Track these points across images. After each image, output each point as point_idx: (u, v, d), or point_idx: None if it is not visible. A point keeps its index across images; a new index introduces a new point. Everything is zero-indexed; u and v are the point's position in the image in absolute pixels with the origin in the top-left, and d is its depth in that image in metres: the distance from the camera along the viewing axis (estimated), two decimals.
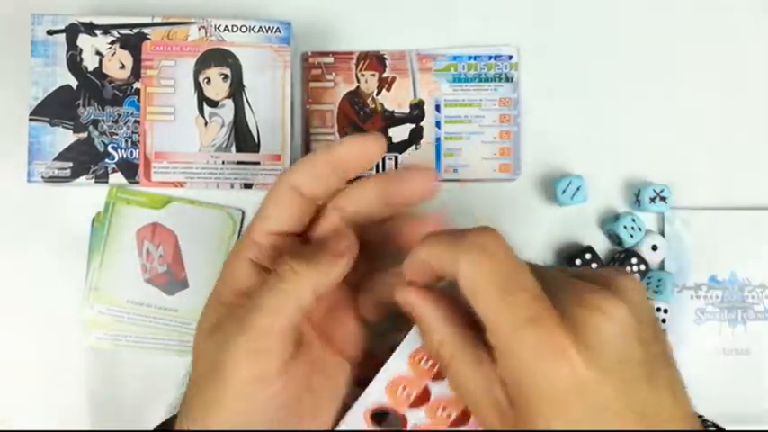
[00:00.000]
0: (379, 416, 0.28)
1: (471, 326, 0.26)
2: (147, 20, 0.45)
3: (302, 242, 0.31)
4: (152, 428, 0.33)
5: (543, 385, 0.23)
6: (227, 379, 0.27)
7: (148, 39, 0.45)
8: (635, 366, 0.24)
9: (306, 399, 0.29)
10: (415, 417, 0.28)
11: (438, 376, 0.28)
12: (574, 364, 0.23)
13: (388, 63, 0.48)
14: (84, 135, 0.45)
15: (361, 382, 0.30)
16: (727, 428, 0.47)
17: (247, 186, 0.45)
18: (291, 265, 0.28)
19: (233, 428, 0.27)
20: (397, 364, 0.28)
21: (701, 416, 0.27)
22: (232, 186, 0.45)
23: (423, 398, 0.28)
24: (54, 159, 0.45)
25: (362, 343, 0.32)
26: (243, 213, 0.48)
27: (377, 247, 0.32)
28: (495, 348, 0.24)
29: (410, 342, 0.28)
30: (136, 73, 0.45)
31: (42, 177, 0.45)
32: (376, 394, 0.28)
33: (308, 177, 0.30)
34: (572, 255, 0.47)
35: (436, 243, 0.27)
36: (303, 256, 0.29)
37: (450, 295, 0.27)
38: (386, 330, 0.33)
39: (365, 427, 0.28)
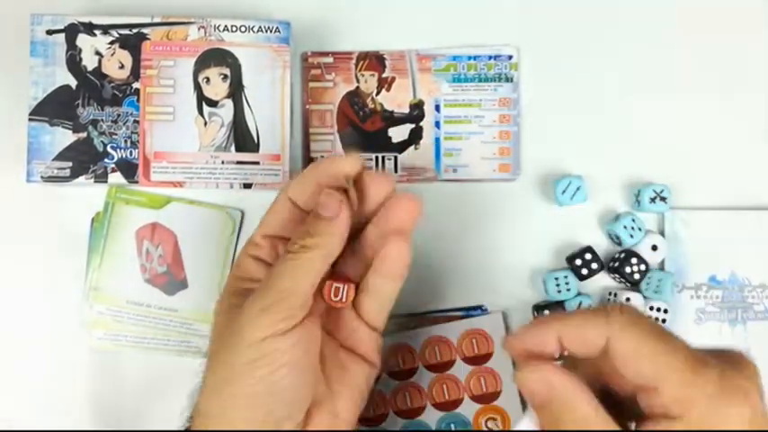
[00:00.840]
0: None
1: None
2: (147, 20, 0.45)
3: None
4: None
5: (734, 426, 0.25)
6: (243, 332, 0.31)
7: (148, 39, 0.45)
8: None
9: (320, 377, 0.34)
10: None
11: None
12: (753, 404, 0.25)
13: (387, 63, 0.48)
14: (84, 135, 0.45)
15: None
16: (726, 428, 0.47)
17: (247, 186, 0.45)
18: (298, 242, 0.33)
19: (248, 377, 0.31)
20: None
21: None
22: (231, 186, 0.45)
23: None
24: (53, 159, 0.45)
25: (377, 347, 0.36)
26: (242, 213, 0.48)
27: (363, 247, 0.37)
28: (673, 403, 0.26)
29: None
30: (135, 73, 0.45)
31: (42, 177, 0.45)
32: None
33: (300, 190, 0.36)
34: (572, 255, 0.47)
35: (564, 323, 0.29)
36: (305, 230, 0.33)
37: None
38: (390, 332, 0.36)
39: None
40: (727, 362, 0.27)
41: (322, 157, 0.48)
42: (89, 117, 0.45)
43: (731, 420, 0.25)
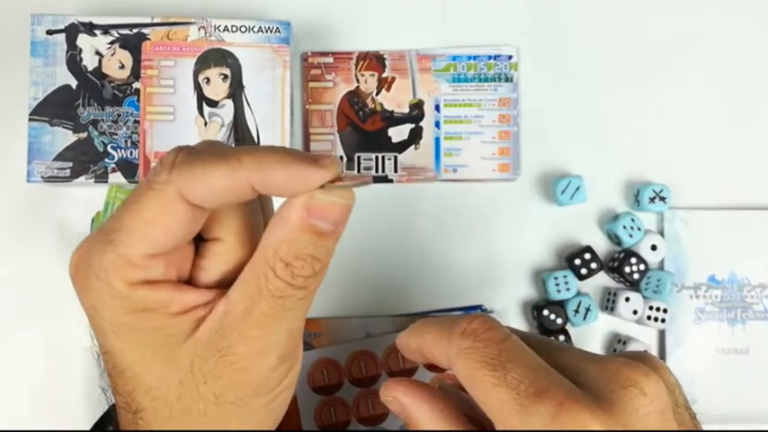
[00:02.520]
0: None
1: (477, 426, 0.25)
2: (147, 20, 0.45)
3: None
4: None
5: None
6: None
7: (148, 39, 0.45)
8: None
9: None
10: None
11: None
12: None
13: (387, 63, 0.48)
14: (84, 135, 0.45)
15: None
16: (726, 428, 0.47)
17: None
18: (303, 273, 0.24)
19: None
20: None
21: None
22: None
23: None
24: (54, 159, 0.45)
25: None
26: None
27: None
28: None
29: None
30: (135, 73, 0.45)
31: (42, 177, 0.45)
32: None
33: (204, 183, 0.24)
34: (571, 254, 0.47)
35: (425, 333, 0.26)
36: (310, 255, 0.24)
37: (451, 394, 0.26)
38: None
39: None
40: (604, 384, 0.22)
41: None
42: (89, 117, 0.45)
43: None
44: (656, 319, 0.46)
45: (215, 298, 0.25)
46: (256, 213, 0.26)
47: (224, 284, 0.25)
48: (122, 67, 0.45)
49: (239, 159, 0.23)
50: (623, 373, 0.23)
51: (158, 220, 0.23)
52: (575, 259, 0.46)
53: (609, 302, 0.47)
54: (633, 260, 0.46)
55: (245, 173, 0.23)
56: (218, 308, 0.24)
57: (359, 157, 0.48)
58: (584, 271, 0.46)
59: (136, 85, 0.45)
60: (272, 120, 0.45)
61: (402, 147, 0.48)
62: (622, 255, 0.46)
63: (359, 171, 0.48)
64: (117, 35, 0.45)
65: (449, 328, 0.25)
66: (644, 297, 0.47)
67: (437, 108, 0.48)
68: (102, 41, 0.45)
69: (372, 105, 0.48)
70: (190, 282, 0.26)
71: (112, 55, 0.45)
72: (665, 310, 0.46)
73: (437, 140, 0.48)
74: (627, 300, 0.46)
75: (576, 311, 0.46)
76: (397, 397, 0.26)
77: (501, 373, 0.23)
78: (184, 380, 0.24)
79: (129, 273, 0.23)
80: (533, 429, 0.21)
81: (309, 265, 0.24)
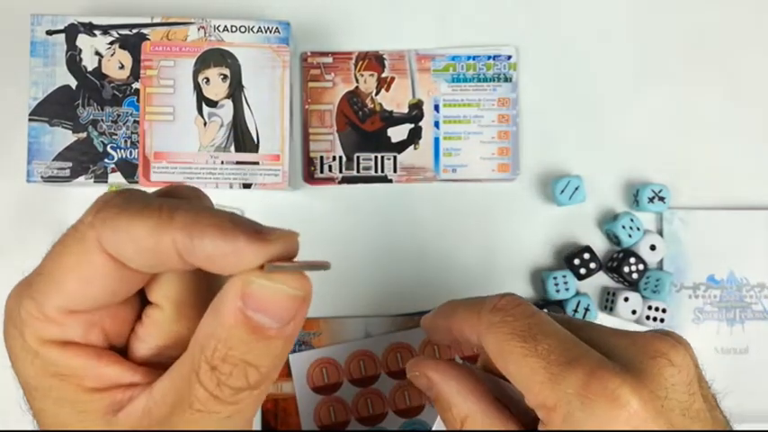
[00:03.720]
0: None
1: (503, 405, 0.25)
2: (147, 20, 0.45)
3: None
4: None
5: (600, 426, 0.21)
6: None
7: (148, 39, 0.45)
8: (698, 424, 0.22)
9: None
10: None
11: None
12: (632, 413, 0.21)
13: (386, 63, 0.48)
14: (84, 135, 0.45)
15: None
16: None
17: (246, 186, 0.45)
18: (232, 384, 0.19)
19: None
20: None
21: None
22: (231, 186, 0.46)
23: None
24: (53, 159, 0.45)
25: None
26: (242, 213, 0.48)
27: None
28: (537, 409, 0.22)
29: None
30: (135, 73, 0.45)
31: (41, 177, 0.45)
32: None
33: (127, 239, 0.20)
34: (570, 254, 0.47)
35: (454, 312, 0.26)
36: (241, 359, 0.19)
37: (477, 373, 0.26)
38: None
39: None
40: (632, 355, 0.23)
41: (321, 157, 0.48)
42: (89, 117, 0.45)
43: (601, 424, 0.21)
44: (655, 319, 0.46)
45: (141, 381, 0.20)
46: (210, 280, 0.21)
47: (161, 362, 0.21)
48: (122, 67, 0.46)
49: (171, 215, 0.18)
50: (652, 344, 0.23)
51: (76, 270, 0.19)
52: (574, 259, 0.46)
53: (608, 302, 0.47)
54: (632, 260, 0.46)
55: (172, 233, 0.18)
56: (140, 401, 0.20)
57: (358, 157, 0.48)
58: (583, 271, 0.46)
59: (135, 85, 0.45)
60: (271, 120, 0.45)
61: (401, 147, 0.48)
62: (621, 255, 0.46)
63: (358, 171, 0.48)
64: (117, 35, 0.45)
65: (479, 304, 0.25)
66: (643, 297, 0.47)
67: (436, 108, 0.48)
68: (101, 42, 0.45)
69: (372, 105, 0.48)
70: (126, 351, 0.21)
71: (112, 55, 0.45)
72: (663, 310, 0.46)
73: (436, 140, 0.48)
74: (626, 300, 0.46)
75: (576, 311, 0.46)
76: (426, 372, 0.26)
77: (531, 345, 0.23)
78: None
79: (41, 327, 0.19)
80: (565, 395, 0.21)
81: (241, 372, 0.18)
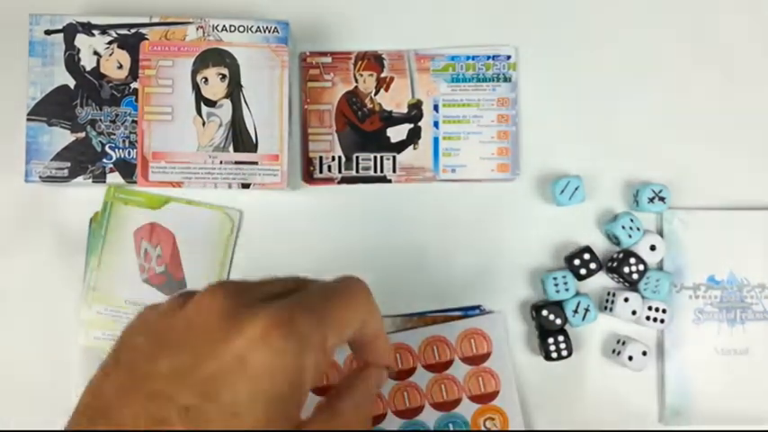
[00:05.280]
0: None
1: None
2: (145, 20, 0.45)
3: None
4: None
5: None
6: None
7: (146, 39, 0.45)
8: None
9: None
10: None
11: None
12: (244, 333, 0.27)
13: (386, 63, 0.48)
14: (82, 135, 0.45)
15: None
16: (726, 428, 0.47)
17: (245, 186, 0.45)
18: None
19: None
20: None
21: None
22: (230, 186, 0.45)
23: None
24: (52, 159, 0.45)
25: None
26: (241, 213, 0.48)
27: None
28: None
29: None
30: (134, 73, 0.45)
31: (40, 177, 0.45)
32: None
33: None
34: (570, 255, 0.46)
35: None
36: None
37: None
38: None
39: None
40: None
41: (320, 157, 0.48)
42: (87, 117, 0.45)
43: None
44: (655, 320, 0.46)
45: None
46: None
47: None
48: (120, 67, 0.45)
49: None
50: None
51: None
52: (574, 259, 0.46)
53: (608, 303, 0.47)
54: (632, 260, 0.46)
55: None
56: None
57: (357, 158, 0.48)
58: (583, 271, 0.46)
59: (134, 84, 0.45)
60: (270, 119, 0.45)
61: (401, 147, 0.48)
62: (621, 255, 0.46)
63: (357, 171, 0.48)
64: (115, 35, 0.45)
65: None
66: (643, 297, 0.46)
67: (436, 108, 0.48)
68: (100, 41, 0.45)
69: (371, 105, 0.48)
70: None
71: (110, 55, 0.45)
72: (664, 311, 0.46)
73: (436, 140, 0.48)
74: (626, 300, 0.46)
75: (575, 312, 0.46)
76: None
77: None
78: None
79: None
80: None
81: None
